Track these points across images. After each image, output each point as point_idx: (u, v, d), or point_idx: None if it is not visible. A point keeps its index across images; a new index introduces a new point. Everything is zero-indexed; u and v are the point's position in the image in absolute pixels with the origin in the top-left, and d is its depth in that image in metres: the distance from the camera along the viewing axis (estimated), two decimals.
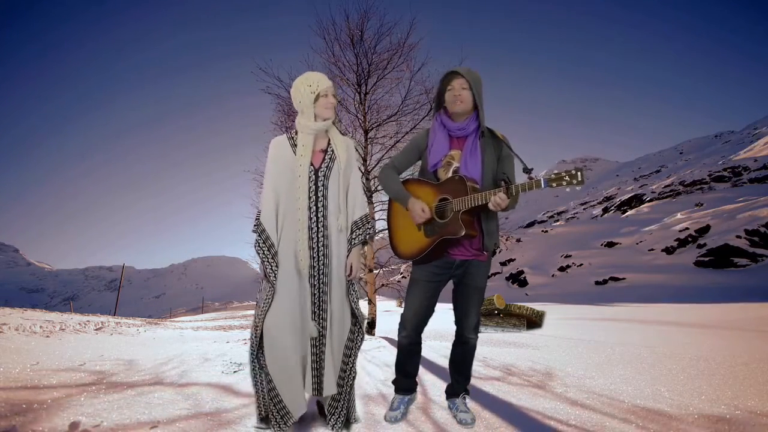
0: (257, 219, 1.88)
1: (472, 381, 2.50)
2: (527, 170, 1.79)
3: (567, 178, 1.67)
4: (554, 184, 1.70)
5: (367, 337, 6.39)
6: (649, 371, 3.17)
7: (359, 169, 7.15)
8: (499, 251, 50.06)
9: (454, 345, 2.14)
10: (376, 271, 7.57)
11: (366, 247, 7.27)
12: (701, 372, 3.14)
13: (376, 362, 3.38)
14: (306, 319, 1.82)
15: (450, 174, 1.97)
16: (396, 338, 5.04)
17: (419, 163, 2.18)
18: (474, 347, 2.10)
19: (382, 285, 7.99)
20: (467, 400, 2.16)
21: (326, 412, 1.85)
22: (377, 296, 7.90)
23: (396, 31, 7.03)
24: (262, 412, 1.81)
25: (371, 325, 7.19)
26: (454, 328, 2.09)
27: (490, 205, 1.78)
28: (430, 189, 1.99)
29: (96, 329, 6.29)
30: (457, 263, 1.98)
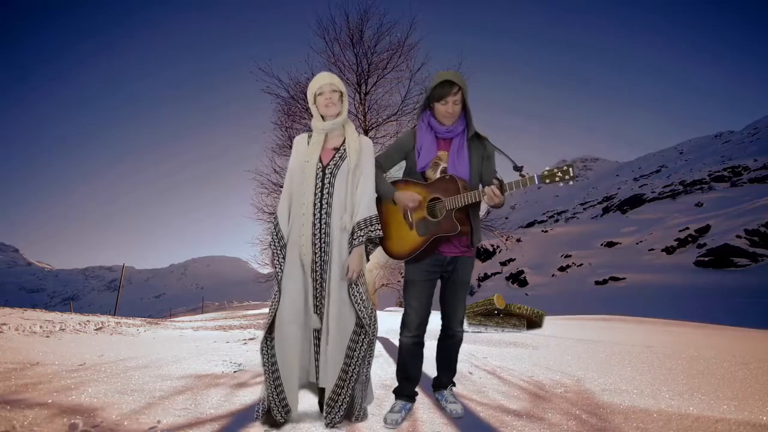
0: (275, 211, 1.99)
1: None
2: (518, 168, 1.81)
3: (560, 174, 1.71)
4: (547, 181, 1.73)
5: None
6: (649, 371, 3.16)
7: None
8: (499, 251, 50.07)
9: (441, 339, 2.19)
10: (376, 271, 7.56)
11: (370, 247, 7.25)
12: (701, 372, 3.13)
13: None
14: (309, 311, 1.88)
15: (438, 174, 1.99)
16: (394, 340, 5.04)
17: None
18: (461, 339, 2.18)
19: (383, 285, 7.97)
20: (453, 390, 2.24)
21: (324, 406, 1.84)
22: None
23: (396, 30, 7.03)
24: (266, 404, 1.83)
25: None
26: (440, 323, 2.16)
27: (485, 198, 1.83)
28: (419, 189, 2.00)
29: (96, 329, 6.29)
30: (448, 260, 2.02)
